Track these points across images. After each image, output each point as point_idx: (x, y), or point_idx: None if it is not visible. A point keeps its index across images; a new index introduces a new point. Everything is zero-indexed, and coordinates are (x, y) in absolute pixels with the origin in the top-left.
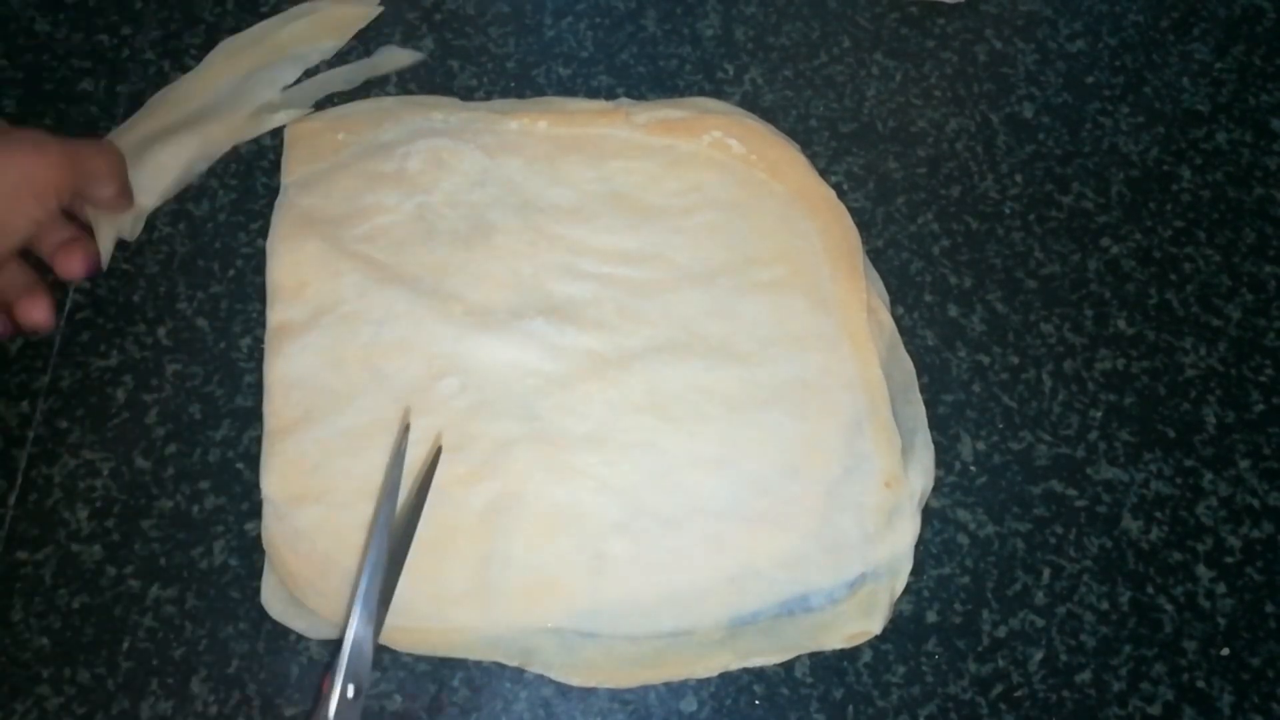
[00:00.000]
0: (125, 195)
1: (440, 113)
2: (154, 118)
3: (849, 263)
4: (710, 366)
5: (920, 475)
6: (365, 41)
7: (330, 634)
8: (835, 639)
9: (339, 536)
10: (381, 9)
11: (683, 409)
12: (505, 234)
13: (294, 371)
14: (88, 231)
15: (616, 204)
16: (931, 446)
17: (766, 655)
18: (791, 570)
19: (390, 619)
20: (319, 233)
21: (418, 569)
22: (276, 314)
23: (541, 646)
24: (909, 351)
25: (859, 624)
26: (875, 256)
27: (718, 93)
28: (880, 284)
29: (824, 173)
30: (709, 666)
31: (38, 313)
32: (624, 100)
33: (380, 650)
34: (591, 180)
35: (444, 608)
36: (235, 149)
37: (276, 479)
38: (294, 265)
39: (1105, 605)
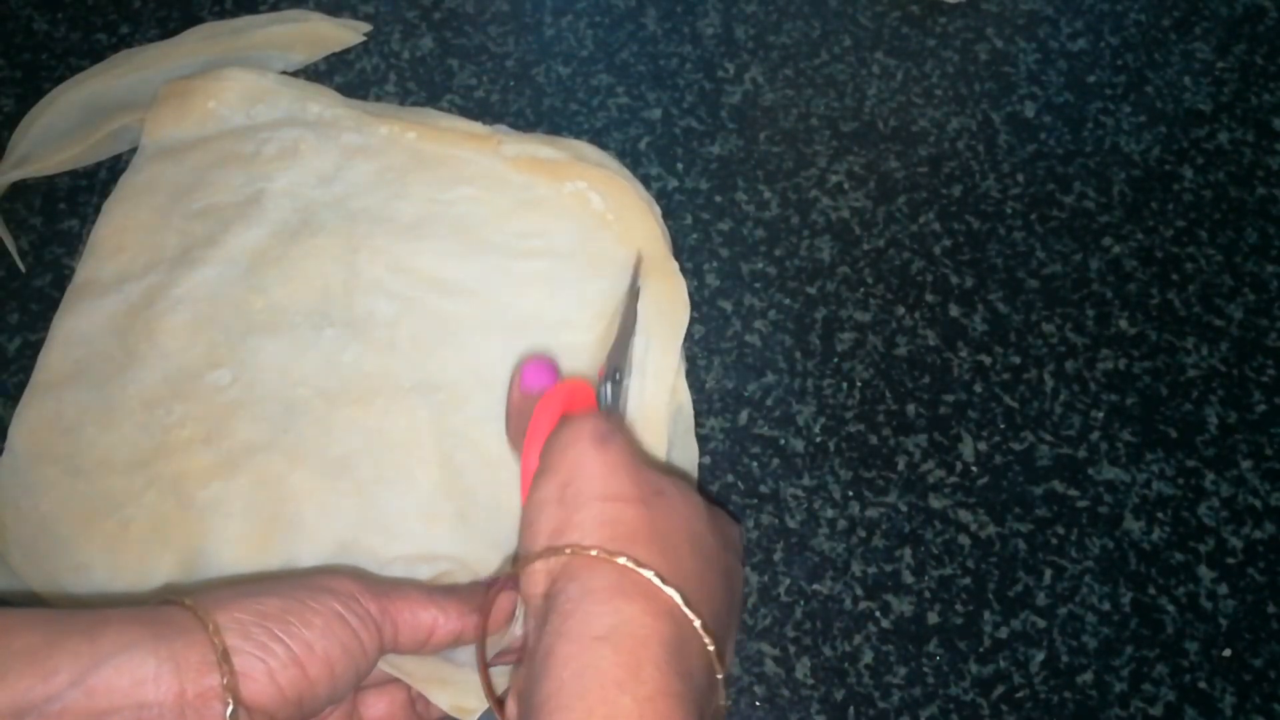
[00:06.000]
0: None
1: (317, 104)
2: (109, 74)
3: (668, 341)
4: (486, 419)
5: None
6: (330, 62)
7: (23, 599)
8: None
9: (64, 503)
10: (365, 38)
11: (439, 455)
12: (330, 236)
13: (80, 329)
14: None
15: (454, 231)
16: None
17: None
18: None
19: (84, 598)
20: (155, 202)
21: (125, 554)
22: (85, 270)
23: None
24: (911, 352)
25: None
26: (876, 256)
27: (718, 91)
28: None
29: (825, 172)
30: None
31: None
32: (502, 128)
33: None
34: (436, 201)
35: (140, 597)
36: None
37: (27, 431)
38: (119, 229)
39: (1107, 606)
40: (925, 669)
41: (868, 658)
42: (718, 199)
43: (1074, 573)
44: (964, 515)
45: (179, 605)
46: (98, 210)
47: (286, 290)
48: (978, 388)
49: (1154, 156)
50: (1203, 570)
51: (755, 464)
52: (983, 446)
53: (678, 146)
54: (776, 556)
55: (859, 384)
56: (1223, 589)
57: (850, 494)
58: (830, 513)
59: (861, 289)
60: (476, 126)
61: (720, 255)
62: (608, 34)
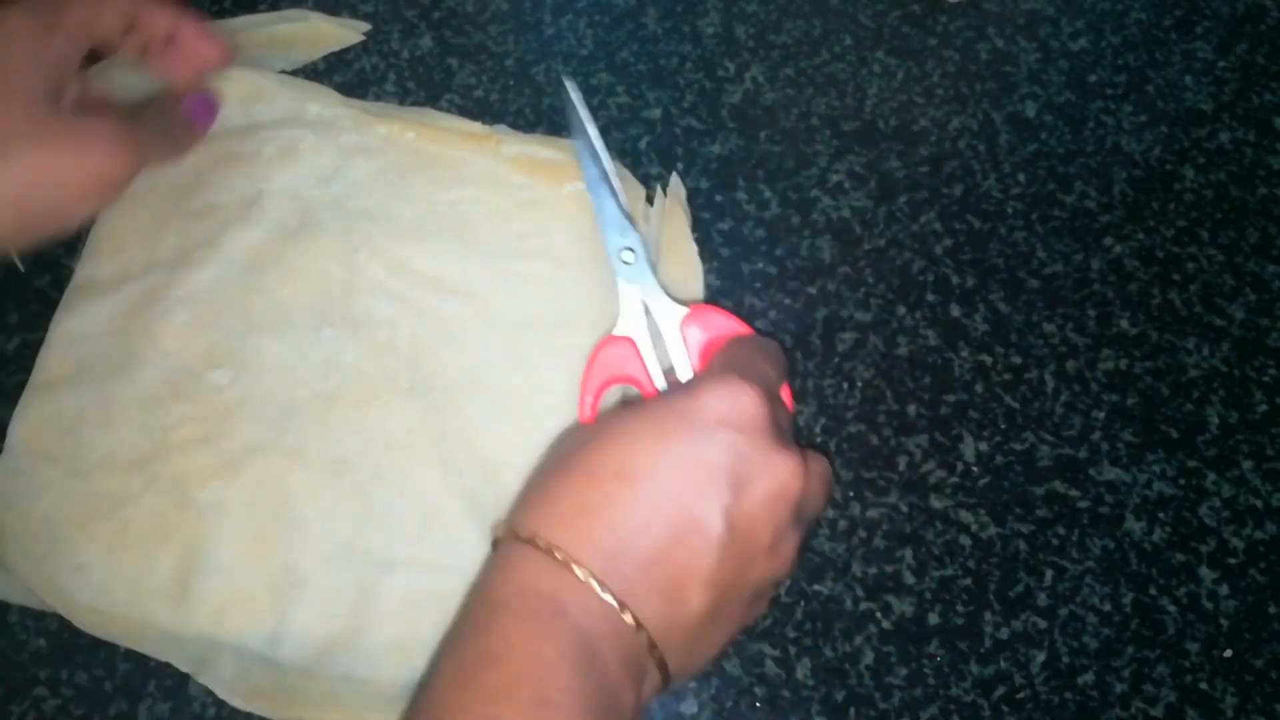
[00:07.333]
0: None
1: (317, 104)
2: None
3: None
4: (488, 420)
5: None
6: (329, 62)
7: (22, 599)
8: None
9: (63, 503)
10: (364, 38)
11: (438, 456)
12: (330, 235)
13: (79, 329)
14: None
15: (453, 232)
16: None
17: None
18: None
19: (83, 599)
20: (154, 201)
21: (124, 555)
22: (85, 270)
23: (218, 660)
24: (912, 352)
25: None
26: (877, 256)
27: (718, 90)
28: None
29: (825, 171)
30: None
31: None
32: (501, 128)
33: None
34: (436, 202)
35: (139, 598)
36: None
37: (26, 431)
38: (119, 228)
39: (1108, 607)
40: (926, 670)
41: (868, 658)
42: (718, 199)
43: (1075, 573)
44: (965, 516)
45: None
46: None
47: (286, 291)
48: (979, 388)
49: (1155, 156)
50: (1204, 571)
51: None
52: (984, 447)
53: (678, 146)
54: None
55: (859, 384)
56: (1224, 589)
57: (851, 494)
58: (831, 513)
59: (862, 289)
60: (476, 126)
61: (720, 255)
62: (607, 33)
